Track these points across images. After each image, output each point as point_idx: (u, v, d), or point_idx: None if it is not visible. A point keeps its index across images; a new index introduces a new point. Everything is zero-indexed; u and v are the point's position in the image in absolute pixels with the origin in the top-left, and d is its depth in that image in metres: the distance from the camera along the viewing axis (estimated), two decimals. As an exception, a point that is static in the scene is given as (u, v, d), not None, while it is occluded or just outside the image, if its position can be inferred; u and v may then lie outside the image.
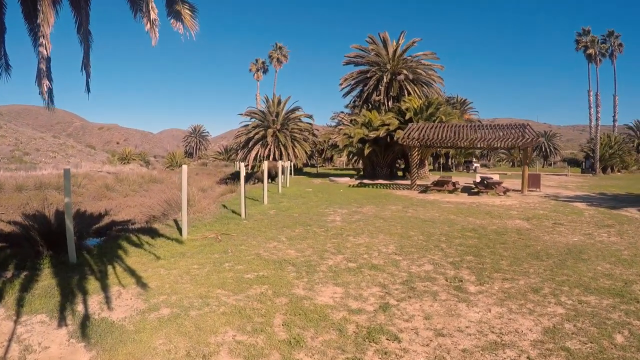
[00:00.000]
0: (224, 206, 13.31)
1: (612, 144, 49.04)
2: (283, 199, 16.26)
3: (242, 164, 12.43)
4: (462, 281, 5.99)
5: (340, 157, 62.29)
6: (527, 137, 21.16)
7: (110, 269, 6.36)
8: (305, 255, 7.47)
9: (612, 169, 49.27)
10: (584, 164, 54.24)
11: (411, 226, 10.45)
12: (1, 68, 6.98)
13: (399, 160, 39.63)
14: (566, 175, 42.09)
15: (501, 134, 22.22)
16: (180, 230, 8.98)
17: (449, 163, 55.44)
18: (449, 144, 24.05)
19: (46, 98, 5.98)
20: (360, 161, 42.61)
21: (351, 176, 34.96)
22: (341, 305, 5.11)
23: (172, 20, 6.67)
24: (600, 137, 48.54)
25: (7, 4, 6.69)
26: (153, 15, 6.11)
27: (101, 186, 23.72)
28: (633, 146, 61.05)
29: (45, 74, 5.78)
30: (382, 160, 34.80)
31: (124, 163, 51.58)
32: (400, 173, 37.93)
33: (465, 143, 22.87)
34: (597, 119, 51.05)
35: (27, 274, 6.08)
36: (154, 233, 8.80)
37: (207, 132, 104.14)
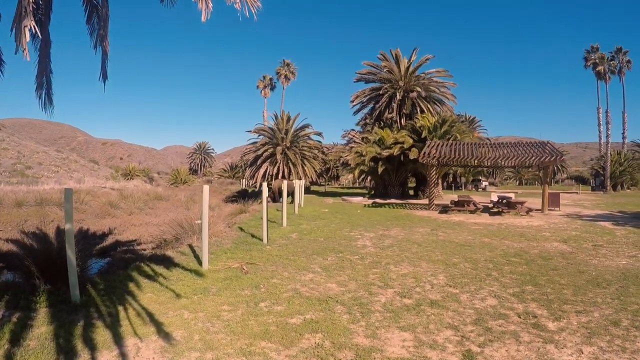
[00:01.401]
0: (241, 229, 12.19)
1: (622, 160, 48.16)
2: (301, 220, 15.16)
3: (265, 183, 11.31)
4: (536, 317, 5.31)
5: (348, 175, 61.49)
6: (550, 154, 20.22)
7: (121, 310, 5.22)
8: (350, 290, 6.38)
9: (621, 186, 48.25)
10: (593, 181, 53.23)
11: (450, 252, 9.58)
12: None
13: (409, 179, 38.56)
14: (577, 193, 40.98)
15: (522, 151, 21.33)
16: (198, 258, 7.87)
17: (458, 181, 54.27)
18: (469, 162, 23.19)
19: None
20: (369, 180, 41.60)
21: (362, 195, 33.84)
22: (419, 357, 4.15)
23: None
24: (610, 154, 47.57)
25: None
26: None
27: (105, 203, 22.64)
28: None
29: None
30: (395, 179, 33.81)
31: (128, 179, 50.68)
32: (411, 192, 36.75)
33: (488, 162, 21.92)
34: (607, 136, 50.11)
35: (20, 315, 4.96)
36: (168, 262, 7.65)
37: (212, 149, 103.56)
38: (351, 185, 65.81)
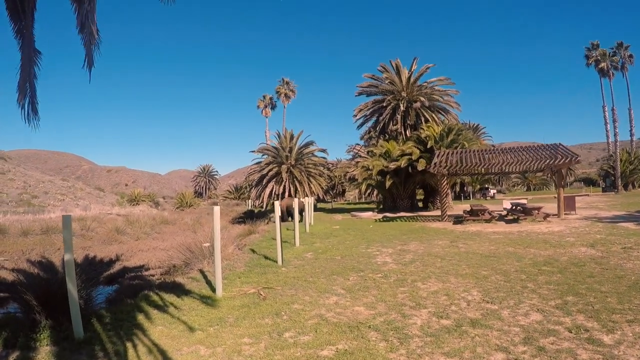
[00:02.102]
0: (253, 250, 11.66)
1: (632, 159, 47.15)
2: (314, 238, 14.60)
3: (277, 202, 10.80)
4: (587, 330, 4.87)
5: (354, 190, 60.78)
6: (564, 156, 19.57)
7: (129, 347, 4.68)
8: (380, 313, 5.79)
9: (633, 185, 47.23)
10: (604, 182, 52.17)
11: (476, 264, 9.01)
12: None
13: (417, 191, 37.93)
14: (588, 195, 40.01)
15: (534, 155, 20.75)
16: (210, 284, 7.35)
17: (466, 191, 53.53)
18: (479, 170, 22.66)
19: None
20: (375, 194, 40.91)
21: (371, 210, 33.22)
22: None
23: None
24: (619, 153, 46.53)
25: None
26: None
27: (111, 229, 22.16)
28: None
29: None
30: (403, 192, 33.21)
31: (134, 204, 50.32)
32: (420, 204, 36.09)
33: (501, 168, 21.43)
34: (615, 135, 48.73)
35: (19, 355, 4.46)
36: (179, 290, 7.12)
37: (216, 171, 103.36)
38: (357, 201, 65.16)
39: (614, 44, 48.97)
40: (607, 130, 52.13)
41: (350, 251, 11.57)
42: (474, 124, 58.08)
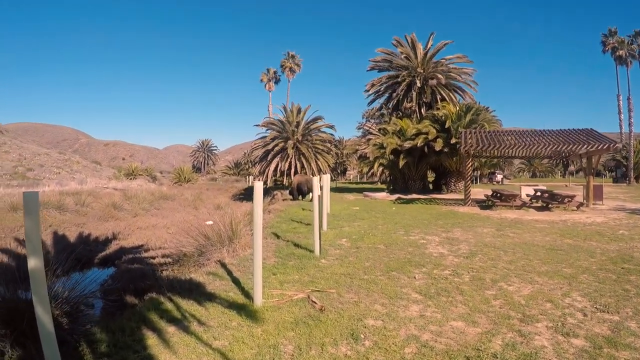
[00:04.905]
0: (276, 235, 9.85)
1: (646, 150, 45.52)
2: (339, 221, 12.79)
3: (318, 176, 8.94)
4: None
5: (353, 170, 58.82)
6: (601, 142, 17.88)
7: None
8: (491, 332, 4.24)
9: (644, 177, 45.70)
10: (615, 173, 50.70)
11: (548, 259, 7.65)
12: None
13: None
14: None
15: (566, 139, 19.07)
16: (238, 283, 5.59)
17: (474, 174, 51.78)
18: (510, 152, 20.99)
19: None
20: (379, 174, 39.04)
21: (381, 190, 31.50)
22: None
23: None
24: (633, 144, 44.89)
25: None
26: None
27: (108, 205, 20.31)
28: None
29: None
30: (415, 173, 31.50)
31: (131, 179, 48.47)
32: (431, 186, 34.37)
33: (532, 151, 19.84)
34: (630, 125, 47.18)
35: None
36: (198, 293, 5.29)
37: (215, 146, 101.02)
38: (359, 180, 63.36)
39: (632, 32, 47.11)
40: (620, 120, 50.13)
41: (391, 238, 9.81)
42: (483, 106, 56.05)
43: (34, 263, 2.76)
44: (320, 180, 9.57)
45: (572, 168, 77.59)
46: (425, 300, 5.23)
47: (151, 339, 3.93)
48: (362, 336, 4.11)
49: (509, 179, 63.50)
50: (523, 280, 6.20)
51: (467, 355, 3.68)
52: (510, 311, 4.86)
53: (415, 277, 6.30)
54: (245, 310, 4.67)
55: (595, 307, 5.01)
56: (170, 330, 4.18)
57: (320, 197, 8.62)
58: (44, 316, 2.80)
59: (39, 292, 2.79)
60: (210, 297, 5.09)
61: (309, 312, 4.74)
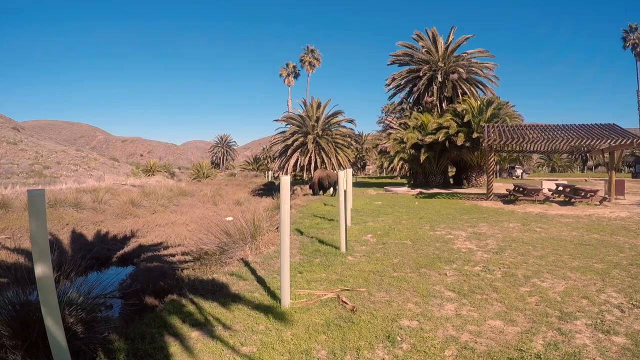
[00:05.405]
0: (299, 231, 9.50)
1: (667, 145, 44.20)
2: (362, 216, 12.42)
3: (341, 172, 8.56)
4: None
5: (373, 164, 58.21)
6: (625, 137, 17.43)
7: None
8: (529, 331, 4.09)
9: (663, 173, 44.52)
10: (634, 167, 49.66)
11: (578, 254, 7.44)
12: None
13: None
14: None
15: (589, 134, 18.58)
16: (263, 283, 5.25)
17: (495, 169, 50.90)
18: (534, 147, 20.34)
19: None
20: (398, 169, 38.54)
21: (401, 184, 30.99)
22: None
23: None
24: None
25: None
26: None
27: (126, 202, 20.21)
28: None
29: None
30: (436, 168, 31.00)
31: (149, 175, 48.67)
32: (451, 181, 33.77)
33: (555, 146, 19.27)
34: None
35: None
36: (222, 294, 4.95)
37: (234, 141, 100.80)
38: (378, 175, 62.75)
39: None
40: (639, 115, 49.43)
41: (417, 234, 9.41)
42: (504, 101, 55.07)
43: (42, 269, 2.42)
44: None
45: (590, 163, 75.91)
46: (460, 299, 4.96)
47: (173, 346, 3.60)
48: (398, 338, 3.80)
49: (528, 173, 62.39)
50: (556, 276, 6.00)
51: (509, 357, 3.52)
52: (547, 308, 4.67)
53: (446, 274, 6.03)
54: (272, 312, 4.33)
55: (632, 304, 4.85)
56: (194, 335, 3.85)
57: (345, 192, 8.23)
58: (54, 329, 2.47)
59: (48, 302, 2.46)
60: (235, 299, 4.75)
61: (339, 313, 4.40)
